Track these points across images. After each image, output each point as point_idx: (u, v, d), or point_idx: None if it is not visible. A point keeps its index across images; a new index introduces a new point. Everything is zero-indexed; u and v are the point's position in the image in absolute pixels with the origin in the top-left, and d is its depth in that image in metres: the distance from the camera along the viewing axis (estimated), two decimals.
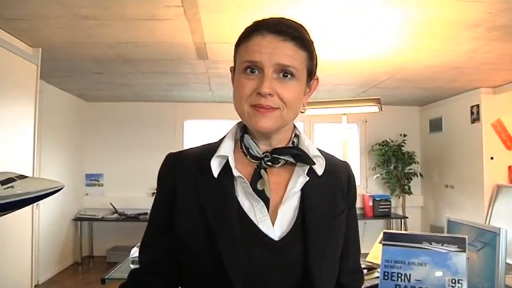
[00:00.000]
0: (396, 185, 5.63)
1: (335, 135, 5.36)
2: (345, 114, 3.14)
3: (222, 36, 2.91)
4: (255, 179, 0.84)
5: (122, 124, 5.70)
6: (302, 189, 0.85)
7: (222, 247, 0.78)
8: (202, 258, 0.81)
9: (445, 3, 2.39)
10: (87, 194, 5.67)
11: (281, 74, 0.80)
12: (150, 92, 5.11)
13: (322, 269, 0.81)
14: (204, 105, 5.67)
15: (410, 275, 1.02)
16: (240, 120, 0.87)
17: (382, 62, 3.59)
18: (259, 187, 0.83)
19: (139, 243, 0.99)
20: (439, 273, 1.00)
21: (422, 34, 2.89)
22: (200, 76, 4.20)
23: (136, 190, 5.52)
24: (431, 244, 1.03)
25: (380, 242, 1.86)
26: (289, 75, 0.80)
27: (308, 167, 0.86)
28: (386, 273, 1.04)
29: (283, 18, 0.84)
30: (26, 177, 2.03)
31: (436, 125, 5.61)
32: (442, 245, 1.02)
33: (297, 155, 0.86)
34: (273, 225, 0.82)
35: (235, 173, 0.83)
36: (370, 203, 5.53)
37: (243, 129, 0.89)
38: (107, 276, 2.15)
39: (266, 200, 0.82)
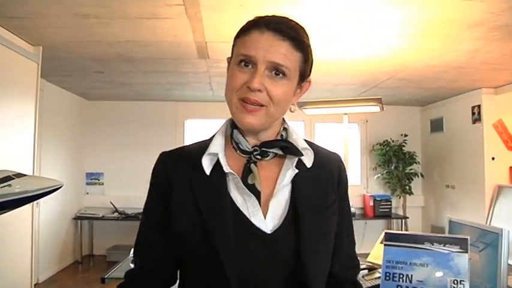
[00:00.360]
0: (397, 185, 5.62)
1: (336, 135, 5.36)
2: (346, 114, 3.13)
3: (223, 35, 2.90)
4: (246, 174, 0.85)
5: (123, 123, 5.69)
6: (292, 182, 0.86)
7: (219, 245, 0.78)
8: (199, 255, 0.81)
9: (447, 3, 2.38)
10: (87, 193, 5.67)
11: (273, 72, 0.81)
12: (151, 91, 5.10)
13: (315, 260, 0.82)
14: (205, 104, 5.66)
15: (412, 275, 1.01)
16: (231, 116, 0.88)
17: (382, 62, 3.58)
18: (249, 181, 0.84)
19: None
20: (440, 274, 0.99)
21: (423, 34, 2.88)
22: (201, 75, 4.20)
23: (136, 189, 5.49)
24: (433, 245, 1.03)
25: (381, 242, 1.85)
26: (280, 74, 0.81)
27: (297, 159, 0.87)
28: (387, 274, 1.03)
29: (286, 18, 0.84)
30: (24, 175, 2.02)
31: (437, 125, 5.60)
32: (444, 246, 1.02)
33: (285, 147, 0.87)
34: (265, 218, 0.82)
35: (226, 169, 0.84)
36: (371, 203, 5.52)
37: (233, 125, 0.89)
38: (107, 275, 2.15)
39: (257, 194, 0.83)
